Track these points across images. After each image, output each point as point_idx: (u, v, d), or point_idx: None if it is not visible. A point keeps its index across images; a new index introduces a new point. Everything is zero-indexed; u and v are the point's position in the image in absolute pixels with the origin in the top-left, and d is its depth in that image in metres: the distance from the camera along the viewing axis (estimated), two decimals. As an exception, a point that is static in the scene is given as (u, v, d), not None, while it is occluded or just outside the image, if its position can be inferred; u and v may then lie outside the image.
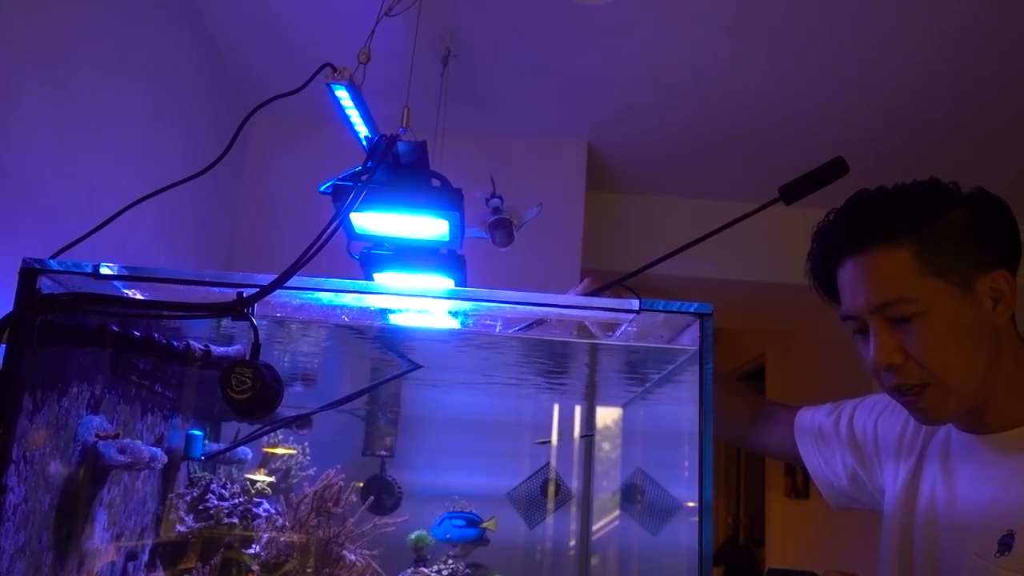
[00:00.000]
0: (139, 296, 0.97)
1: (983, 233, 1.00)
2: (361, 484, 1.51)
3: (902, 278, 0.99)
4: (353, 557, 1.29)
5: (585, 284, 1.24)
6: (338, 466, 1.37)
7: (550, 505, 1.55)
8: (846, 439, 1.23)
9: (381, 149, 1.24)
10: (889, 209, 1.01)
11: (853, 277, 1.02)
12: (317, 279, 0.92)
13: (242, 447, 1.45)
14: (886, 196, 1.04)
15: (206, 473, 1.41)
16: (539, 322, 1.06)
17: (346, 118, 1.62)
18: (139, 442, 1.15)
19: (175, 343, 1.12)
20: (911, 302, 0.98)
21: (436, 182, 1.38)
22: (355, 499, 1.41)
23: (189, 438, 1.36)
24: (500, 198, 1.73)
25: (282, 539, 1.29)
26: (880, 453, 1.19)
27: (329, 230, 0.97)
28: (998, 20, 2.09)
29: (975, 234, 1.00)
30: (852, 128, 2.69)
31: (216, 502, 1.34)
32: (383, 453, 1.55)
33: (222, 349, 1.17)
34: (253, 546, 1.31)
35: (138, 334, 1.08)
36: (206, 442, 1.40)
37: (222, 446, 1.43)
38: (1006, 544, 0.92)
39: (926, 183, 1.04)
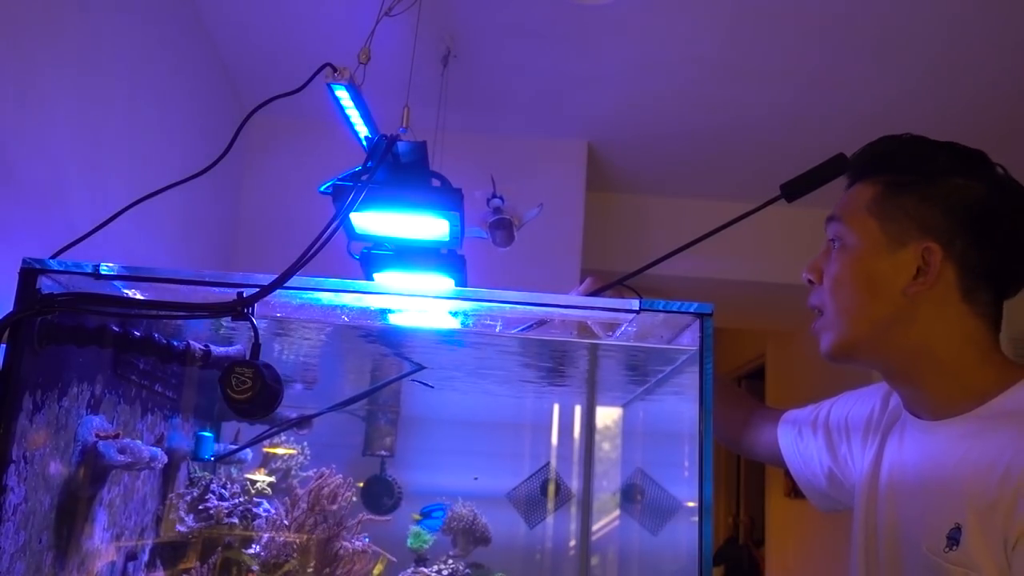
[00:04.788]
0: (139, 296, 0.97)
1: (966, 215, 0.99)
2: (361, 484, 1.51)
3: (853, 206, 1.05)
4: (353, 546, 1.29)
5: (587, 284, 1.23)
6: (333, 465, 1.37)
7: (550, 505, 1.55)
8: (823, 438, 1.22)
9: (381, 149, 1.24)
10: (889, 151, 1.08)
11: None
12: (317, 279, 0.92)
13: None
14: (899, 140, 1.09)
15: (206, 473, 1.41)
16: (541, 323, 1.06)
17: (346, 118, 1.62)
18: (139, 442, 1.15)
19: (175, 343, 1.12)
20: (842, 227, 1.05)
21: (436, 182, 1.38)
22: (355, 499, 1.41)
23: (199, 439, 1.36)
24: (501, 198, 1.73)
25: (282, 539, 1.29)
26: (852, 447, 1.18)
27: (329, 230, 0.97)
28: (1005, 21, 2.09)
29: (954, 208, 1.00)
30: (853, 127, 2.69)
31: (216, 502, 1.34)
32: (383, 453, 1.55)
33: (222, 349, 1.17)
34: (253, 546, 1.31)
35: (138, 334, 1.08)
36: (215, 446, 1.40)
37: (227, 447, 1.43)
38: (953, 538, 0.90)
39: (949, 144, 1.06)
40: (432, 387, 1.41)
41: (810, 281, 1.09)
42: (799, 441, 1.26)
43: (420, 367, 1.29)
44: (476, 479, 1.51)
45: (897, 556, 1.01)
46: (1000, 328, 1.03)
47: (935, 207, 1.00)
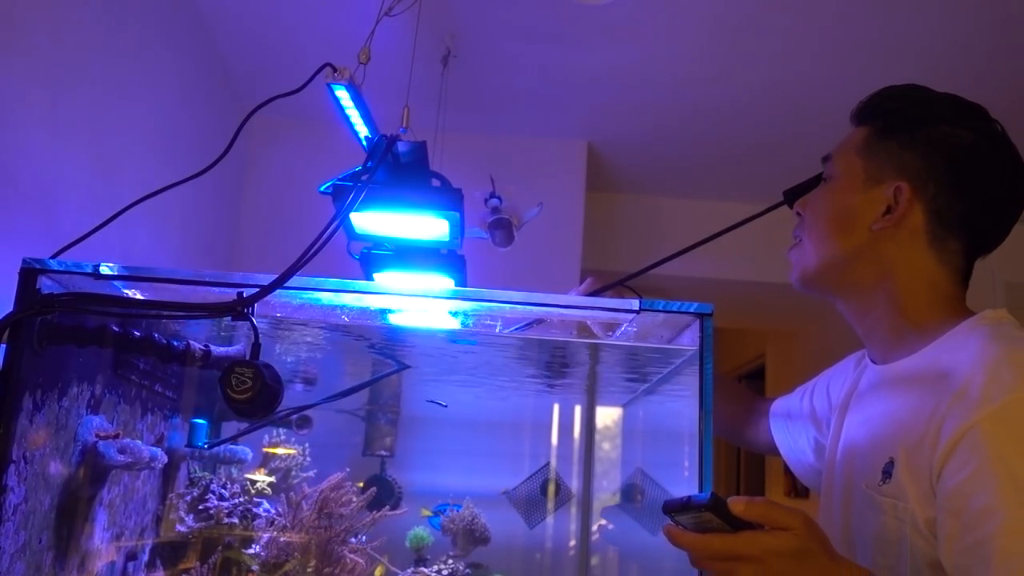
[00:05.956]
0: (139, 296, 0.97)
1: (946, 160, 1.00)
2: (361, 484, 1.51)
3: (844, 147, 1.09)
4: (354, 557, 1.29)
5: (587, 284, 1.24)
6: (348, 469, 1.37)
7: (550, 505, 1.55)
8: (808, 413, 1.25)
9: (381, 149, 1.24)
10: (887, 97, 1.10)
11: None
12: (317, 279, 0.92)
13: (242, 447, 1.46)
14: (898, 87, 1.11)
15: (206, 473, 1.41)
16: (539, 321, 1.06)
17: (346, 118, 1.62)
18: (139, 442, 1.15)
19: (175, 343, 1.12)
20: (831, 165, 1.09)
21: (436, 182, 1.38)
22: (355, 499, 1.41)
23: (192, 427, 1.36)
24: (499, 198, 1.73)
25: (282, 539, 1.29)
26: (831, 415, 1.19)
27: (329, 230, 0.97)
28: (999, 16, 2.09)
29: (935, 152, 1.00)
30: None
31: (216, 502, 1.34)
32: (383, 453, 1.55)
33: (222, 349, 1.17)
34: (253, 546, 1.30)
35: (138, 334, 1.08)
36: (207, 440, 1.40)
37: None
38: (887, 472, 0.93)
39: (947, 95, 1.06)
40: (445, 406, 1.42)
41: (799, 214, 1.12)
42: (788, 422, 1.29)
43: (405, 366, 1.29)
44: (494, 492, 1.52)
45: (847, 496, 1.04)
46: (967, 285, 1.03)
47: (917, 150, 1.02)
